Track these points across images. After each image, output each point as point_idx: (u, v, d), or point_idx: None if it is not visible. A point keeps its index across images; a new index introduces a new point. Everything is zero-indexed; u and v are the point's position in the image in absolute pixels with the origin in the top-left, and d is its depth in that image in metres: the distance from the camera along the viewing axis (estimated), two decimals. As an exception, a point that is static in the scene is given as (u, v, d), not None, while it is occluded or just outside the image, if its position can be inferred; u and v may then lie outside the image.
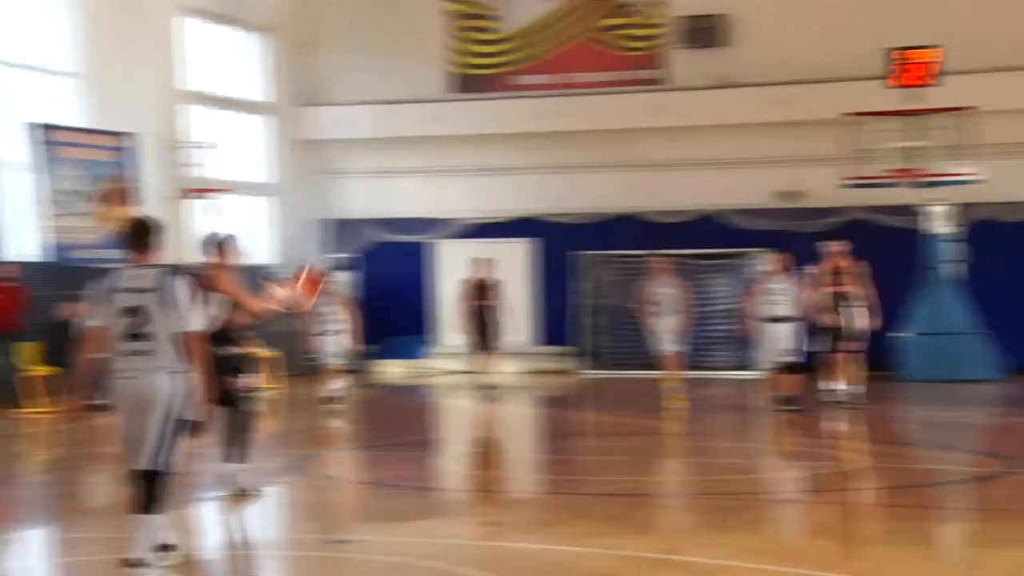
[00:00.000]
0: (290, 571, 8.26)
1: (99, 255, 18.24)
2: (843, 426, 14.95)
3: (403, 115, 24.06)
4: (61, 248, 18.95)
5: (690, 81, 23.16)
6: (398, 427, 16.40)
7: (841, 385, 16.09)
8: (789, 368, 15.70)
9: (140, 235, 7.68)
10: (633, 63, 23.71)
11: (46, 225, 19.12)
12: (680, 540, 8.84)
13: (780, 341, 15.66)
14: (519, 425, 16.99)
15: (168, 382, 7.46)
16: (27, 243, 19.35)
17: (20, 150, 19.28)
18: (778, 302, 15.67)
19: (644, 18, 23.63)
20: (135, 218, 8.06)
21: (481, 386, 18.67)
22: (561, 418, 17.71)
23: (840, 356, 16.07)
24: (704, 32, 23.15)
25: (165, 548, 7.53)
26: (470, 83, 24.38)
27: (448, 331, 23.41)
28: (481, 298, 18.65)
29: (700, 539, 8.61)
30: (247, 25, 23.78)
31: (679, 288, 16.63)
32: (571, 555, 8.05)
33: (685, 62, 23.31)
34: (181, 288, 7.50)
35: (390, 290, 24.23)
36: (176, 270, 7.75)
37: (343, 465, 13.26)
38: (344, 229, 24.73)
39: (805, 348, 15.83)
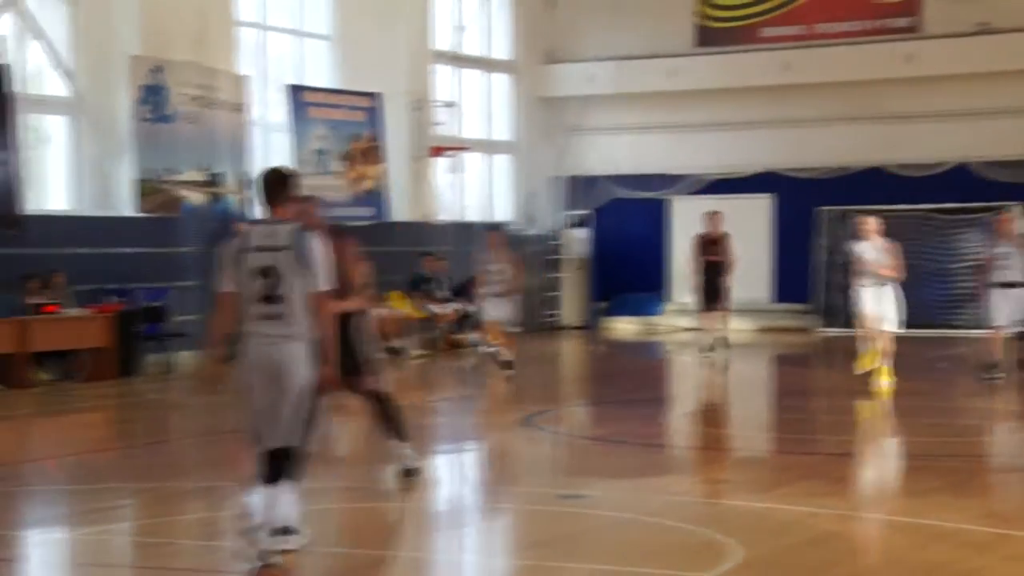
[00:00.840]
0: (521, 525, 8.42)
1: (346, 213, 18.95)
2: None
3: (645, 70, 23.91)
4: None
5: (945, 28, 22.23)
6: (628, 384, 16.48)
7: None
8: (1020, 336, 14.75)
9: (272, 187, 6.70)
10: (884, 11, 22.90)
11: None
12: (912, 502, 8.63)
13: (1011, 309, 14.60)
14: (749, 383, 16.83)
15: (304, 351, 6.57)
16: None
17: (278, 111, 20.18)
18: (1006, 266, 14.57)
19: (895, -37, 22.83)
20: (267, 168, 6.96)
21: (709, 344, 18.19)
22: (793, 376, 17.45)
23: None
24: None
25: (286, 531, 6.53)
26: (714, 36, 24.05)
27: (680, 288, 23.27)
28: (710, 253, 18.20)
29: (933, 501, 8.40)
30: (490, -16, 24.08)
31: (889, 248, 14.62)
32: (800, 515, 7.98)
33: (940, 8, 22.35)
34: (316, 245, 6.60)
35: (624, 246, 24.24)
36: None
37: (572, 421, 13.43)
38: (581, 186, 24.86)
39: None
